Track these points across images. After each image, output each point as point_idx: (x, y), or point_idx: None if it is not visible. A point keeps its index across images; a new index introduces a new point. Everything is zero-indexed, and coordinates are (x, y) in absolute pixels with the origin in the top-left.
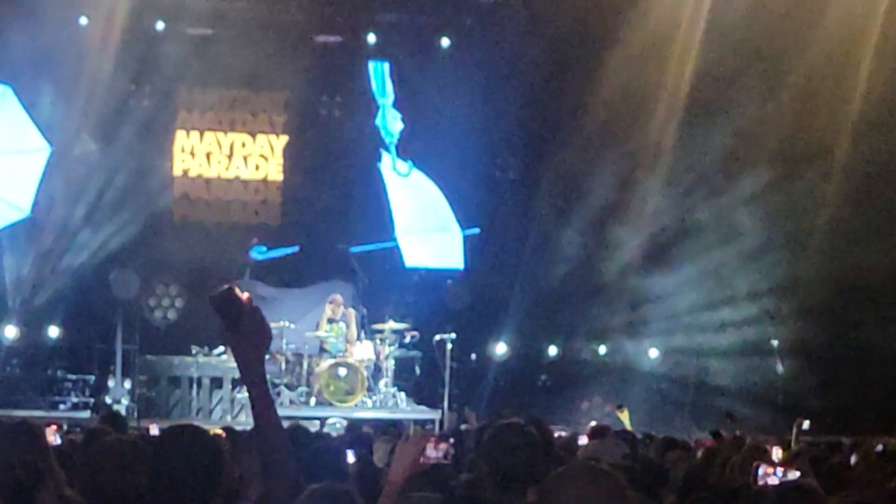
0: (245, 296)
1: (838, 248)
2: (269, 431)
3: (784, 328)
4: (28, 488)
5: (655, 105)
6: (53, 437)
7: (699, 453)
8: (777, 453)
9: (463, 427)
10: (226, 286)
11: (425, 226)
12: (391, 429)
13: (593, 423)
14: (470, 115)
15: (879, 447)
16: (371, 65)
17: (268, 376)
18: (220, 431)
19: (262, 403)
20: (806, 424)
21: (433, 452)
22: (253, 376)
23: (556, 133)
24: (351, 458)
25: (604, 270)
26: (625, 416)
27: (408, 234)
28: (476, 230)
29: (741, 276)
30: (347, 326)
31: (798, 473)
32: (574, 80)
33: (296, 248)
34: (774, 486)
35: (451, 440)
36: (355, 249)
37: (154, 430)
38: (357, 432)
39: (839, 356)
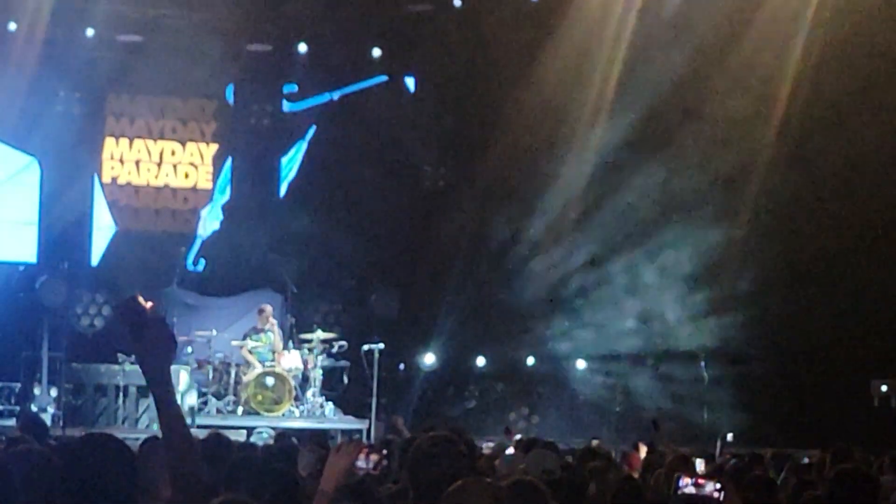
0: (148, 305)
1: (765, 261)
2: (174, 436)
3: (709, 339)
4: None
5: (580, 116)
6: None
7: (624, 466)
8: (701, 465)
9: (390, 437)
10: (129, 296)
11: None
12: (318, 438)
13: (518, 437)
14: (399, 124)
15: (805, 460)
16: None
17: (195, 385)
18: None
19: (168, 409)
20: (730, 437)
21: (364, 463)
22: (158, 383)
23: (487, 140)
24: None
25: (532, 282)
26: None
27: None
28: None
29: (667, 290)
30: (274, 336)
31: (717, 485)
32: (504, 88)
33: None
34: (684, 497)
35: (384, 451)
36: None
37: None
38: (284, 442)
39: (765, 368)
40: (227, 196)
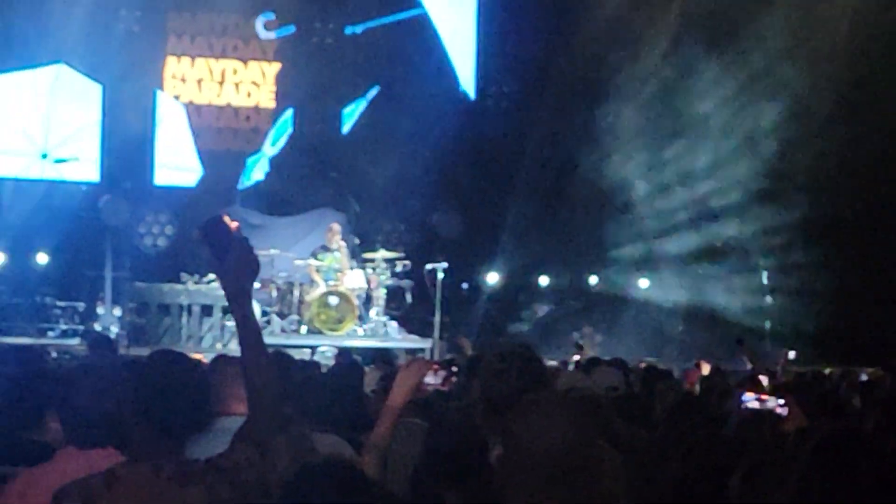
0: (233, 224)
1: (828, 170)
2: (255, 359)
3: (773, 258)
4: (37, 412)
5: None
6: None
7: (685, 383)
8: (764, 382)
9: (448, 356)
10: (215, 215)
11: None
12: (383, 356)
13: (576, 358)
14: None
15: (864, 377)
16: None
17: (259, 304)
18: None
19: (249, 331)
20: (792, 355)
21: (433, 379)
22: (240, 305)
23: (552, 57)
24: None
25: (596, 201)
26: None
27: None
28: None
29: (730, 204)
30: (341, 255)
31: (781, 401)
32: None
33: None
34: (745, 409)
35: (454, 368)
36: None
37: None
38: (348, 360)
39: (829, 287)
40: (277, 149)
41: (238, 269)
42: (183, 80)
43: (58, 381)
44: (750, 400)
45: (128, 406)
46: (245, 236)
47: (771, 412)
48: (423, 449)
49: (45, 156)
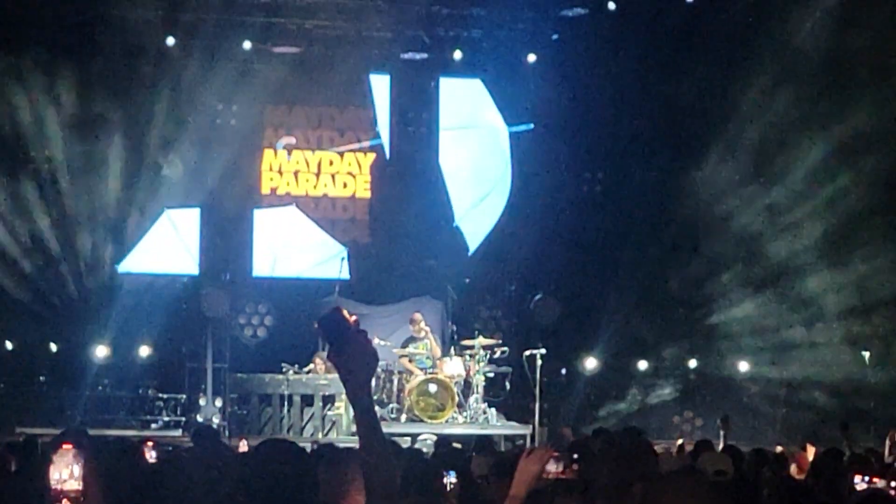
0: (353, 318)
1: None
2: (373, 450)
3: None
4: None
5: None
6: (150, 454)
7: (793, 466)
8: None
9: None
10: (333, 308)
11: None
12: (484, 444)
13: (680, 441)
14: (554, 129)
15: None
16: None
17: None
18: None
19: (368, 422)
20: None
21: (554, 467)
22: (359, 397)
23: (644, 146)
24: (452, 479)
25: (693, 286)
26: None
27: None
28: None
29: (831, 288)
30: (430, 343)
31: (893, 483)
32: (660, 93)
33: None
34: (857, 494)
35: (575, 455)
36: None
37: (243, 447)
38: (447, 448)
39: None
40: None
41: (357, 361)
42: (280, 172)
43: (165, 474)
44: (859, 483)
45: (241, 498)
46: (364, 330)
47: (882, 493)
48: None
49: None
